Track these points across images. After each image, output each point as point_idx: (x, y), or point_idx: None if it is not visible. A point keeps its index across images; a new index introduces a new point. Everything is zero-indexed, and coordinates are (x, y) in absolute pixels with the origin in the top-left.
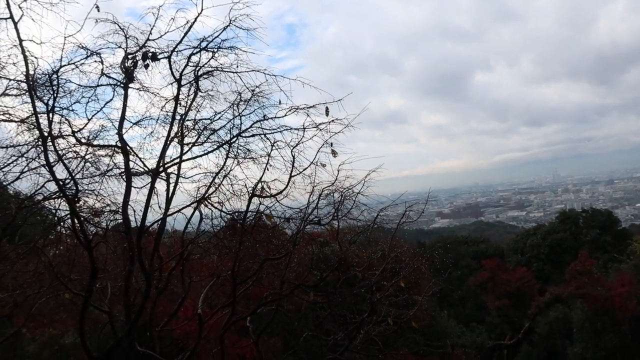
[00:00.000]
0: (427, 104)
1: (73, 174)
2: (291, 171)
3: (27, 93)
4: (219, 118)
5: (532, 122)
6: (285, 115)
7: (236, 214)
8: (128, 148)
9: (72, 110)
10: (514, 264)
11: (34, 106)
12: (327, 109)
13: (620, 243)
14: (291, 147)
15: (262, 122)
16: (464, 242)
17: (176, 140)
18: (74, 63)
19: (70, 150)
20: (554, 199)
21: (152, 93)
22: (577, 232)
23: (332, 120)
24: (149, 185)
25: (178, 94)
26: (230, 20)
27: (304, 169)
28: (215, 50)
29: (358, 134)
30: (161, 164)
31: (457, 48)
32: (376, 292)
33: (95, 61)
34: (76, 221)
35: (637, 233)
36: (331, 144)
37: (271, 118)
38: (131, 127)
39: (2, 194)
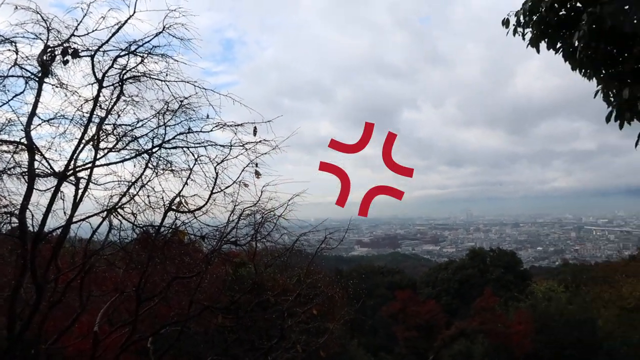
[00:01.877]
0: (354, 134)
1: None
2: (212, 188)
3: None
4: (142, 126)
5: (452, 163)
6: (212, 130)
7: (149, 227)
8: (34, 146)
9: None
10: (425, 296)
11: None
12: (255, 128)
13: (521, 282)
14: (215, 164)
15: (186, 134)
16: (380, 272)
17: (91, 143)
18: None
19: None
20: (466, 236)
21: (70, 91)
22: (484, 270)
23: (260, 141)
24: (54, 188)
25: (98, 95)
26: (164, 27)
27: (226, 187)
28: (145, 55)
29: (287, 157)
30: (70, 167)
31: (388, 83)
32: (288, 318)
33: (9, 50)
34: None
35: (536, 274)
36: (256, 164)
37: (197, 131)
38: (41, 124)
39: None
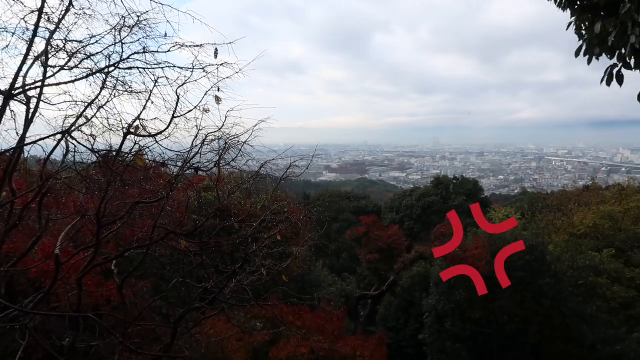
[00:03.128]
0: (326, 58)
1: None
2: (174, 112)
3: None
4: (96, 42)
5: (422, 90)
6: (170, 50)
7: (108, 151)
8: None
9: None
10: (388, 221)
11: None
12: (216, 50)
13: (482, 210)
14: (176, 87)
15: (144, 54)
16: (346, 197)
17: (40, 60)
18: None
19: None
20: (432, 164)
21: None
22: (447, 197)
23: (222, 64)
24: (0, 107)
25: (43, 5)
26: None
27: (188, 112)
28: None
29: (256, 80)
30: (19, 85)
31: (362, 5)
32: (252, 243)
33: None
34: None
35: (495, 202)
36: (218, 88)
37: (154, 52)
38: None
39: None
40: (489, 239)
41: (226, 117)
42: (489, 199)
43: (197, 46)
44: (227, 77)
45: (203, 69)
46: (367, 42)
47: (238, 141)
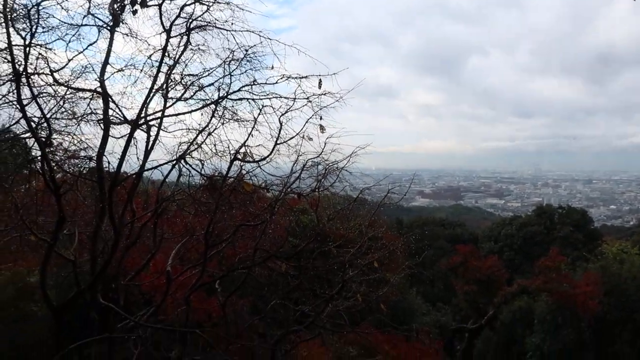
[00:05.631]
0: (419, 82)
1: (47, 115)
2: (277, 139)
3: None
4: (208, 75)
5: (521, 114)
6: (277, 82)
7: (217, 175)
8: (108, 94)
9: (50, 49)
10: (486, 251)
11: (9, 39)
12: (320, 81)
13: (591, 242)
14: (279, 114)
15: (251, 86)
16: (441, 224)
17: (160, 92)
18: None
19: (46, 89)
20: (533, 191)
21: (140, 40)
22: (551, 227)
23: (325, 93)
24: (127, 135)
25: (167, 44)
26: None
27: (290, 138)
28: (211, 3)
29: (349, 104)
30: (142, 115)
31: (455, 28)
32: (349, 269)
33: None
34: (46, 166)
35: (607, 234)
36: (320, 117)
37: (262, 83)
38: (114, 73)
39: None
40: (603, 275)
41: (325, 144)
42: (599, 231)
43: (303, 77)
44: (328, 105)
45: (307, 98)
46: (461, 64)
47: (336, 167)
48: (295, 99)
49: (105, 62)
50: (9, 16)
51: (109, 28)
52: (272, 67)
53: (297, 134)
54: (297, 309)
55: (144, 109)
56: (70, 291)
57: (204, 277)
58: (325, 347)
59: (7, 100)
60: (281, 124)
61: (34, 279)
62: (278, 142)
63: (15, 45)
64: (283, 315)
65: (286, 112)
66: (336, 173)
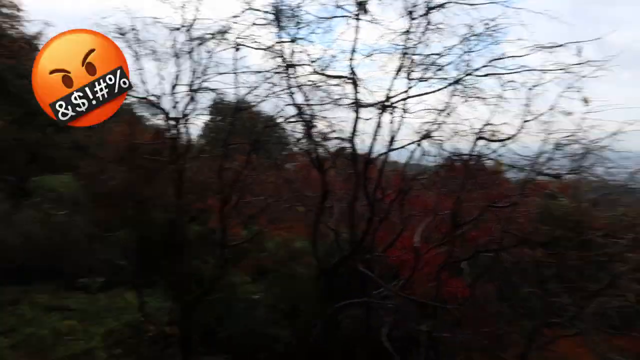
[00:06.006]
0: None
1: (309, 101)
2: (525, 115)
3: (272, 23)
4: (448, 53)
5: None
6: (526, 55)
7: (461, 155)
8: (357, 79)
9: (309, 41)
10: None
11: (279, 36)
12: (579, 49)
13: None
14: (527, 89)
15: (496, 60)
16: None
17: (404, 74)
18: None
19: (306, 78)
20: None
21: (382, 26)
22: None
23: (585, 62)
24: (377, 117)
25: (409, 27)
26: None
27: (540, 114)
28: None
29: (606, 73)
30: (389, 97)
31: None
32: (619, 263)
33: None
34: (311, 144)
35: None
36: (578, 90)
37: (509, 57)
38: (362, 59)
39: (252, 114)
40: None
41: (583, 120)
42: None
43: (557, 46)
44: (585, 76)
45: (562, 69)
46: None
47: (597, 146)
48: (547, 70)
49: (353, 49)
50: (278, 16)
51: (355, 17)
52: (519, 39)
53: (550, 108)
54: (555, 301)
55: (389, 91)
56: (329, 258)
57: (451, 259)
58: (587, 349)
59: (273, 92)
60: (529, 99)
61: (299, 245)
62: (526, 119)
63: (281, 42)
64: (537, 306)
65: (535, 86)
66: (596, 153)
